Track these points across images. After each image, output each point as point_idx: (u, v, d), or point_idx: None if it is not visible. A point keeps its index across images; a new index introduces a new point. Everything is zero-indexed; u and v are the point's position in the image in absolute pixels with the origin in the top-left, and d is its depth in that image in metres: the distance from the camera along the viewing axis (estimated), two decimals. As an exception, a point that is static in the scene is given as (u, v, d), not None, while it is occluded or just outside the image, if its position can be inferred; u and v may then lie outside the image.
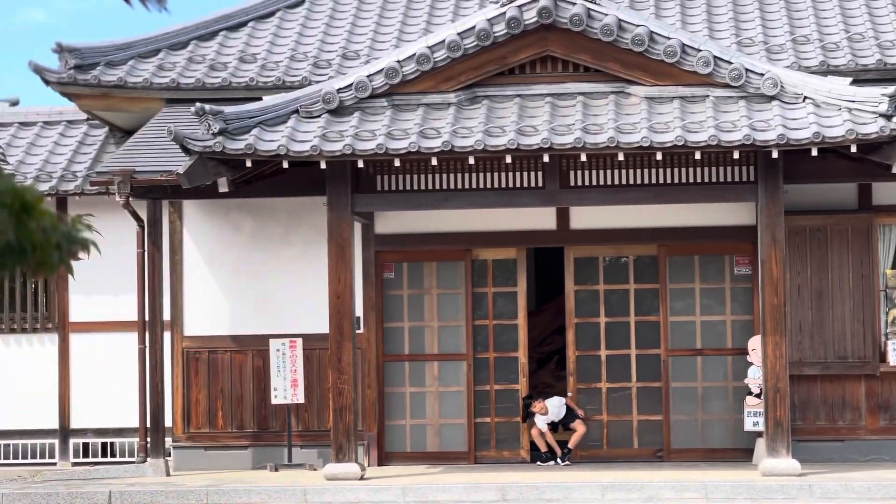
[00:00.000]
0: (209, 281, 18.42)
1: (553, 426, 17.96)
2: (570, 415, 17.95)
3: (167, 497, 15.80)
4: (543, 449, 17.89)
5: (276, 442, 18.21)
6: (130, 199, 17.14)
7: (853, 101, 15.80)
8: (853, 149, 15.64)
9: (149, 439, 17.58)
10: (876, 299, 17.76)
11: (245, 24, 20.50)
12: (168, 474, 17.44)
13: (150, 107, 19.24)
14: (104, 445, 19.40)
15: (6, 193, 4.41)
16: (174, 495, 15.81)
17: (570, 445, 17.93)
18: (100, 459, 19.24)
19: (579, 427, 17.88)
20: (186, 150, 16.05)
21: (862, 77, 18.18)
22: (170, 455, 18.12)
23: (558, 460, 17.82)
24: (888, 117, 15.45)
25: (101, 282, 18.95)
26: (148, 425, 17.58)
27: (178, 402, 18.39)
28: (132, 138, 18.66)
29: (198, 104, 16.04)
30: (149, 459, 17.56)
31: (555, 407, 17.91)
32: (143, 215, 17.64)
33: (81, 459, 19.31)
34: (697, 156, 15.82)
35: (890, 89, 15.47)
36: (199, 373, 18.42)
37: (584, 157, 15.96)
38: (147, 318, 17.58)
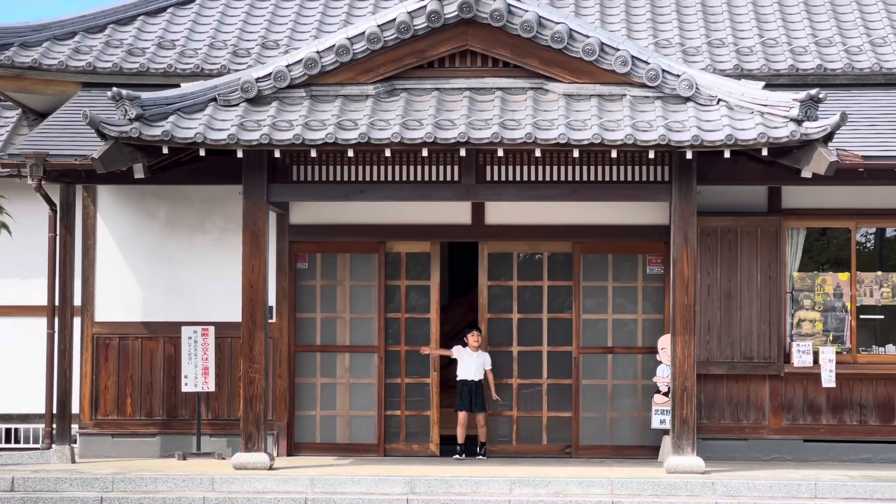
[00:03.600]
0: (122, 267, 18.30)
1: (468, 399, 17.93)
2: (481, 392, 17.98)
3: (71, 484, 15.67)
4: (461, 440, 17.98)
5: (185, 430, 18.13)
6: (43, 182, 17.00)
7: (765, 105, 16.00)
8: (764, 152, 15.83)
9: (54, 426, 17.45)
10: (782, 301, 17.99)
11: (164, 9, 20.43)
12: (73, 461, 17.31)
13: (65, 90, 19.13)
14: (8, 431, 19.20)
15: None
16: (78, 483, 15.69)
17: (481, 440, 18.05)
18: (3, 445, 19.03)
19: (482, 419, 18.01)
20: (102, 135, 15.95)
21: (774, 82, 18.47)
22: (76, 442, 17.99)
23: (477, 454, 17.93)
24: (799, 122, 15.65)
25: (9, 265, 18.80)
26: (54, 411, 17.45)
27: (86, 388, 18.26)
28: (46, 121, 18.51)
29: (114, 89, 15.95)
30: (54, 446, 17.43)
31: (483, 359, 17.96)
32: (56, 199, 17.51)
33: (-16, 445, 19.12)
34: (613, 154, 15.94)
35: (801, 94, 15.67)
36: (109, 359, 18.30)
37: (500, 153, 16.03)
38: (57, 303, 17.45)
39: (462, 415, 18.04)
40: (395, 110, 16.25)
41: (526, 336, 18.46)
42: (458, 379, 18.11)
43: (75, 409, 17.90)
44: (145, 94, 16.12)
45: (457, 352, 18.11)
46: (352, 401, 18.42)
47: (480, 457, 17.97)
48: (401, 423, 18.43)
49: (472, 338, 18.05)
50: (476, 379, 18.01)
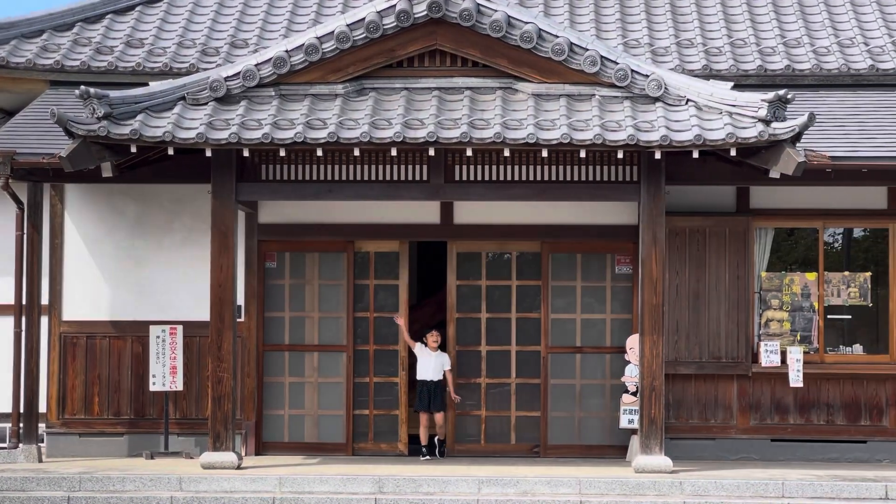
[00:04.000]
0: (90, 266, 18.24)
1: (427, 399, 17.96)
2: (441, 391, 18.01)
3: (38, 484, 15.61)
4: (424, 441, 18.01)
5: (152, 429, 18.09)
6: (11, 180, 16.97)
7: (734, 106, 16.05)
8: (733, 152, 15.88)
9: (21, 425, 17.39)
10: (750, 301, 18.06)
11: (133, 7, 20.40)
12: (40, 461, 17.26)
13: (33, 88, 19.09)
14: (-25, 430, 19.13)
15: None
16: (45, 482, 15.63)
17: (440, 438, 18.09)
18: (-30, 444, 18.95)
19: (440, 419, 18.05)
20: (70, 134, 15.90)
21: (743, 82, 18.55)
22: (43, 441, 17.93)
23: (436, 453, 17.95)
24: (767, 122, 15.71)
25: (-23, 264, 18.72)
26: (21, 410, 17.38)
27: (53, 387, 18.20)
28: (13, 119, 18.45)
29: (82, 87, 15.90)
30: (21, 445, 17.36)
31: (442, 360, 17.98)
32: (24, 198, 17.45)
33: (-49, 444, 19.01)
34: (582, 154, 15.97)
35: (769, 95, 15.73)
36: (77, 358, 18.24)
37: (469, 152, 16.04)
38: (24, 302, 17.40)
39: (423, 416, 18.06)
40: (364, 110, 16.25)
41: (494, 335, 18.48)
42: (417, 379, 18.11)
43: (42, 408, 17.84)
44: (113, 93, 16.08)
45: (419, 349, 18.12)
46: (320, 400, 18.41)
47: (440, 455, 17.95)
48: (369, 422, 18.43)
49: (431, 338, 18.06)
50: (435, 379, 18.02)
